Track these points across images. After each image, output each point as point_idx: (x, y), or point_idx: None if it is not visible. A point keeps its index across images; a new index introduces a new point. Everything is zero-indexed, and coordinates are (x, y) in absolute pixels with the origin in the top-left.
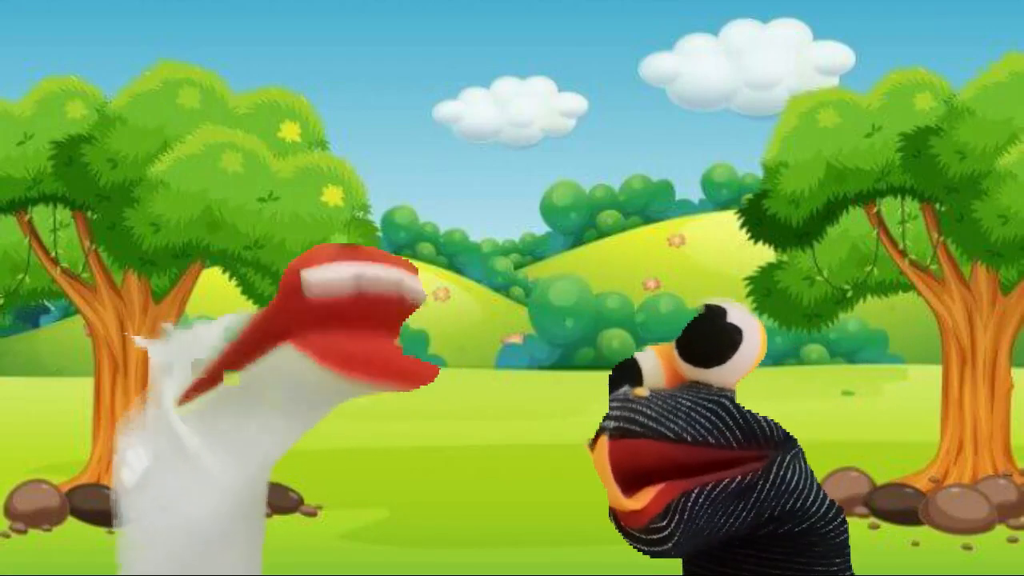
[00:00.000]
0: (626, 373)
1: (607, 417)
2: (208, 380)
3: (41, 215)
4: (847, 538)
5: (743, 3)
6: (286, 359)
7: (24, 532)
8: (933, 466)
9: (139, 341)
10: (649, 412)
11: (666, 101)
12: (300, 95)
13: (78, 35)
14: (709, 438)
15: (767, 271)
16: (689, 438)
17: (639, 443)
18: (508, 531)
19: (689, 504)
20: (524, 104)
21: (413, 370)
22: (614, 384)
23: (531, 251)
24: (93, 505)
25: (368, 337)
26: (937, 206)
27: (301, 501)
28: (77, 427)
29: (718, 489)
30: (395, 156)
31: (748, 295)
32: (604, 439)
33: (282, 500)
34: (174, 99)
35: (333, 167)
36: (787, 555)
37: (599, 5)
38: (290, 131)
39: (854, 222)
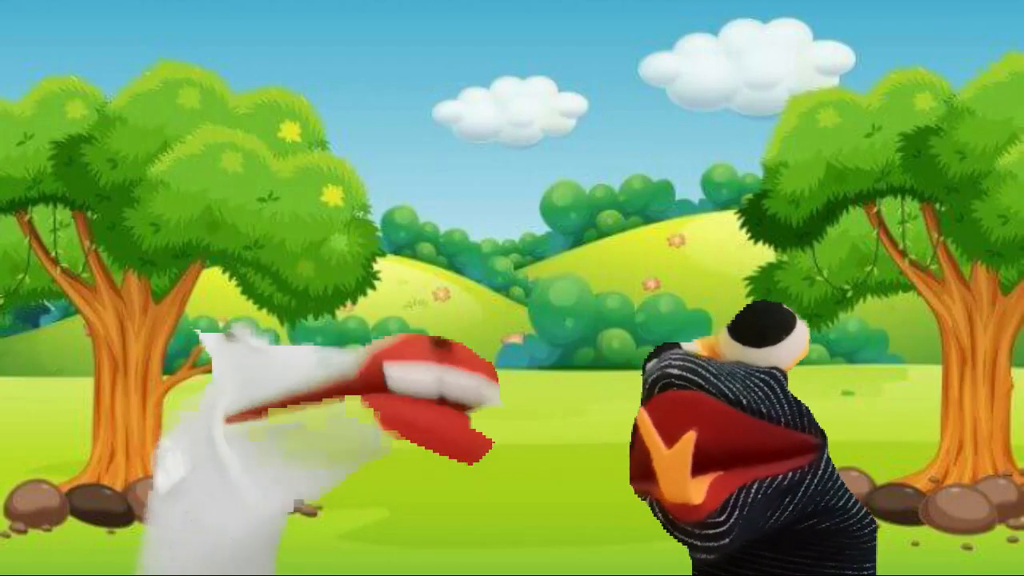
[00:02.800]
0: (663, 346)
1: (667, 366)
2: (266, 412)
3: (41, 215)
4: (875, 545)
5: (743, 3)
6: (350, 412)
7: (24, 532)
8: (933, 466)
9: (204, 339)
10: (711, 368)
11: (666, 101)
12: (300, 95)
13: (78, 35)
14: (762, 407)
15: (767, 271)
16: (745, 401)
17: (700, 397)
18: (508, 531)
19: (749, 500)
20: (524, 104)
21: (470, 446)
22: (651, 355)
23: (531, 251)
24: (93, 505)
25: (433, 406)
26: (937, 206)
27: (301, 501)
28: (77, 427)
29: (774, 484)
30: (395, 156)
31: (748, 295)
32: (691, 435)
33: None
34: (174, 99)
35: (333, 167)
36: (815, 559)
37: (599, 5)
38: (290, 131)
39: (854, 222)
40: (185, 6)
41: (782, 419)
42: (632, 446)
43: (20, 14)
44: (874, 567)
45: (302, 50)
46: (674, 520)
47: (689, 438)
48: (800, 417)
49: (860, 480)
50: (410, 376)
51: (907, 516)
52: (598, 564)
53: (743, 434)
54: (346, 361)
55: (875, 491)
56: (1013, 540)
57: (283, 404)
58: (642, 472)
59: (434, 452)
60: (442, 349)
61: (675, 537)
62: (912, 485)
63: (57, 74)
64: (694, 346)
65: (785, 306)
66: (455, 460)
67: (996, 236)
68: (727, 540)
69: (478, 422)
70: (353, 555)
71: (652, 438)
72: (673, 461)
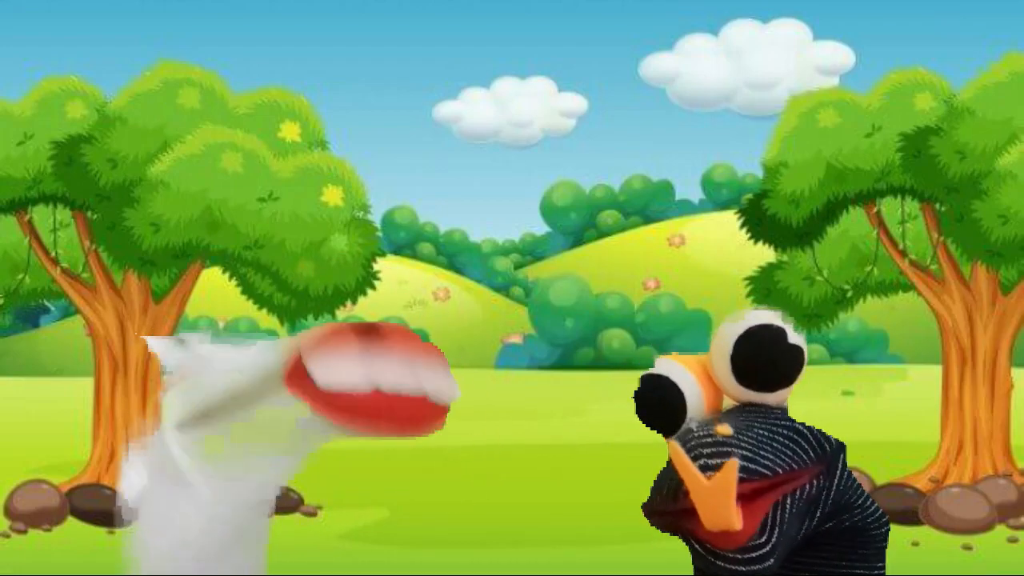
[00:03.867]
0: (667, 403)
1: (701, 456)
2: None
3: (41, 215)
4: (886, 546)
5: (743, 3)
6: (284, 402)
7: (24, 532)
8: (933, 466)
9: (152, 343)
10: (744, 453)
11: (666, 101)
12: (300, 95)
13: (78, 35)
14: (793, 465)
15: (767, 271)
16: (780, 471)
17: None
18: (508, 531)
19: (785, 517)
20: (524, 104)
21: (416, 417)
22: (652, 411)
23: (531, 251)
24: (93, 505)
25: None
26: (937, 206)
27: (301, 501)
28: (77, 427)
29: (803, 496)
30: (395, 156)
31: (748, 295)
32: (735, 462)
33: (282, 500)
34: (174, 99)
35: (333, 167)
36: (827, 559)
37: (599, 5)
38: (290, 131)
39: (854, 222)
40: (185, 6)
41: (808, 464)
42: (662, 483)
43: (20, 14)
44: (884, 568)
45: (302, 50)
46: (714, 549)
47: (732, 467)
48: (823, 454)
49: (860, 480)
50: (336, 372)
51: (907, 516)
52: (598, 564)
53: (766, 485)
54: (271, 360)
55: (875, 491)
56: (1013, 540)
57: (225, 408)
58: (665, 506)
59: (375, 432)
60: (370, 337)
61: (716, 566)
62: (912, 485)
63: (57, 74)
64: (688, 378)
65: (789, 336)
66: (401, 435)
67: (996, 236)
68: (771, 560)
69: (479, 423)
70: (353, 555)
71: (689, 471)
72: (715, 492)
